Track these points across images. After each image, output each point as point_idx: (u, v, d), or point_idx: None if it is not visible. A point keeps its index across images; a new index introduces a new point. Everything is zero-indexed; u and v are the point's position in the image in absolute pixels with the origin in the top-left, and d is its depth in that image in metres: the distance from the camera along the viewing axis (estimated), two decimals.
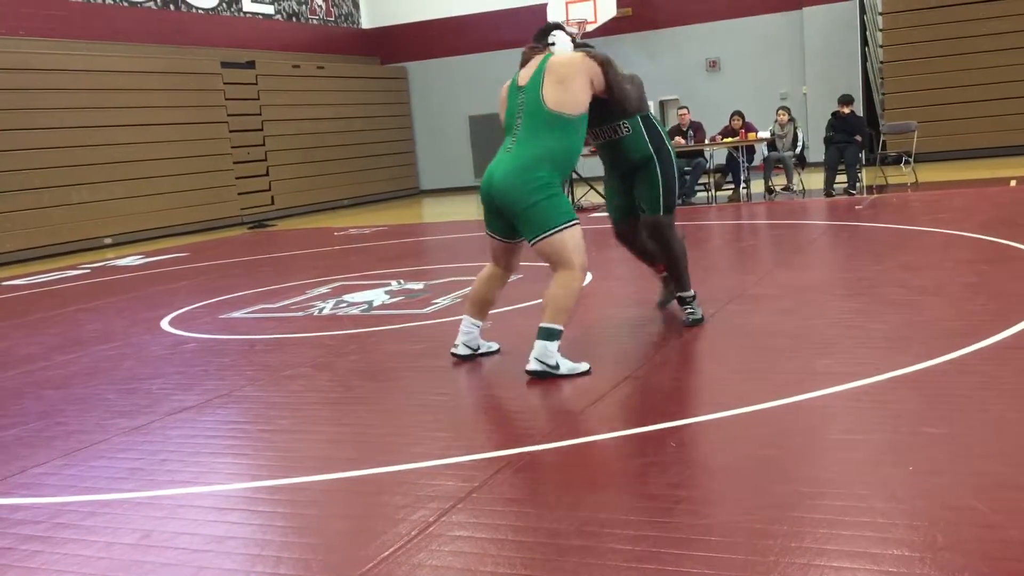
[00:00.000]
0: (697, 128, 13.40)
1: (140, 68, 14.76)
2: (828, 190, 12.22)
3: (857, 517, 2.58)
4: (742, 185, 13.01)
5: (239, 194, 16.46)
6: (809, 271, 7.08)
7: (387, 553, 2.60)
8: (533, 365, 4.29)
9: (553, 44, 4.64)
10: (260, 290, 7.89)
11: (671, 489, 2.96)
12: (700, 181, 13.20)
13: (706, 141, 13.22)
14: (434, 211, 16.84)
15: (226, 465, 3.60)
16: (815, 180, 13.14)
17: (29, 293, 9.22)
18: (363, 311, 6.49)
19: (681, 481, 3.02)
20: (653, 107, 16.26)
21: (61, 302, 8.33)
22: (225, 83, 16.31)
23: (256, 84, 17.11)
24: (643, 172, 5.02)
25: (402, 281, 7.61)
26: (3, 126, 12.61)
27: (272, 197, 17.32)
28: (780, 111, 13.11)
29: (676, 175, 5.05)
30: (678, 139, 12.92)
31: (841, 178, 12.42)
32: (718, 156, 13.72)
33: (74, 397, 4.74)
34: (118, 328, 6.65)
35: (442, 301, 6.54)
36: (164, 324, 6.63)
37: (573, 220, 4.32)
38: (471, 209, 16.88)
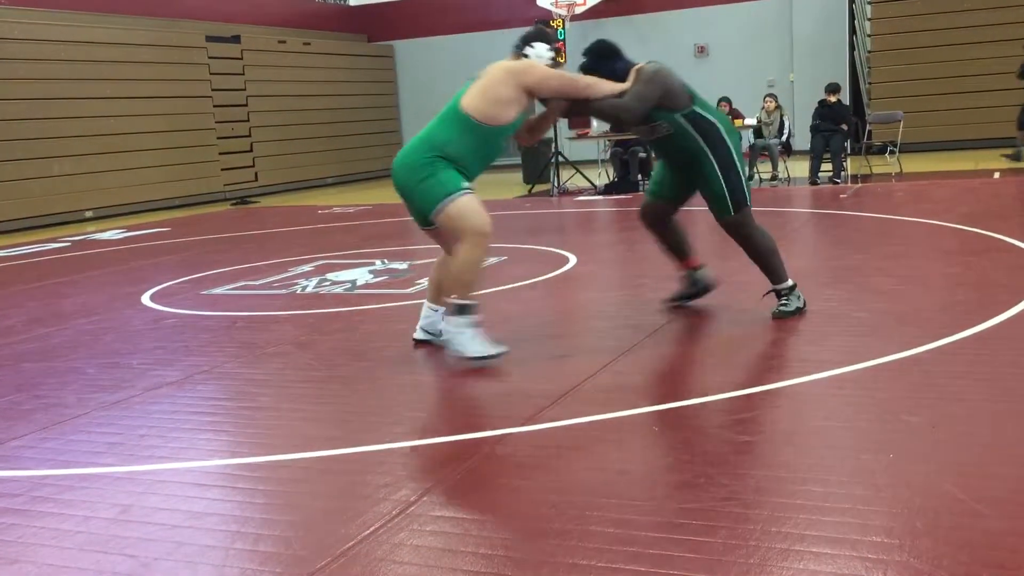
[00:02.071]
0: None
1: (124, 40, 14.59)
2: (813, 178, 12.24)
3: (838, 503, 2.60)
4: None
5: (222, 170, 16.33)
6: (793, 259, 7.09)
7: (368, 532, 2.59)
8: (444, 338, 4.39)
9: (526, 56, 4.46)
10: (243, 267, 7.85)
11: (651, 473, 2.96)
12: None
13: None
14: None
15: (206, 441, 3.58)
16: (800, 168, 13.16)
17: (8, 265, 9.13)
18: (346, 290, 6.47)
19: (661, 466, 3.03)
20: None
21: (41, 275, 8.25)
22: (210, 57, 16.15)
23: (241, 59, 16.95)
24: (697, 170, 4.72)
25: (386, 261, 7.58)
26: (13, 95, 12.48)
27: (256, 173, 17.19)
28: (767, 98, 13.11)
29: (739, 169, 4.71)
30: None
31: (826, 167, 12.45)
32: None
33: (53, 370, 4.70)
34: (99, 302, 6.60)
35: (425, 281, 6.51)
36: (145, 299, 6.57)
37: (460, 190, 4.24)
38: None
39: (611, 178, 13.35)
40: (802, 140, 13.40)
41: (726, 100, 13.14)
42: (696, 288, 5.24)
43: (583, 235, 9.54)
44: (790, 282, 4.89)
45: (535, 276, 6.53)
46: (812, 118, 12.62)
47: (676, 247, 5.19)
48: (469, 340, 4.29)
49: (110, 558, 2.56)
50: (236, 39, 16.96)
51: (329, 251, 8.50)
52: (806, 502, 2.62)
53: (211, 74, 16.19)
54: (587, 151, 14.86)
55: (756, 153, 12.92)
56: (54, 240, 11.19)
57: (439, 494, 2.84)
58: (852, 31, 17.55)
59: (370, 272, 7.10)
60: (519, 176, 15.33)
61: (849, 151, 12.76)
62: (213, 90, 16.22)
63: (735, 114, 12.88)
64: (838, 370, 3.83)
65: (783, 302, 4.86)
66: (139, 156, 14.62)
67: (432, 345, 4.71)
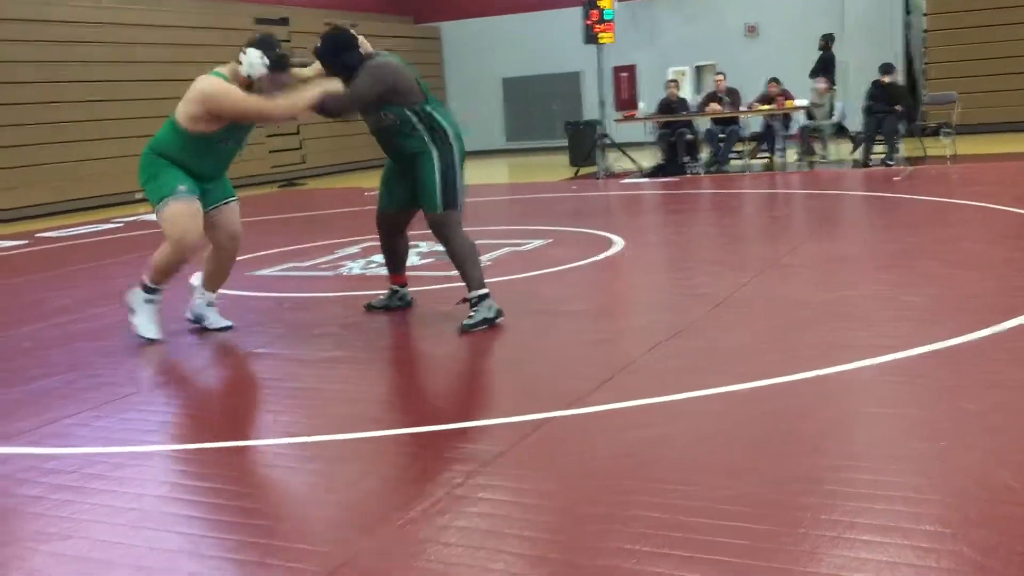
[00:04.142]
0: (733, 94, 13.21)
1: (173, 23, 14.74)
2: (865, 160, 12.03)
3: (888, 492, 2.55)
4: (777, 154, 12.83)
5: (269, 152, 16.46)
6: (844, 242, 6.99)
7: (413, 513, 2.60)
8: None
9: (240, 64, 4.64)
10: (289, 248, 7.91)
11: (697, 458, 2.94)
12: (735, 149, 13.05)
13: (742, 108, 13.05)
14: (466, 173, 16.74)
15: (255, 421, 3.62)
16: (852, 150, 12.94)
17: (63, 246, 9.30)
18: None
19: (707, 451, 3.00)
20: (689, 72, 16.01)
21: (95, 255, 8.39)
22: None
23: (289, 41, 17.04)
24: (417, 165, 4.71)
25: (431, 243, 7.58)
26: (34, 78, 12.67)
27: (303, 156, 17.32)
28: (818, 79, 12.89)
29: (458, 172, 4.73)
30: (714, 105, 12.76)
31: (879, 148, 12.22)
32: (754, 124, 13.54)
33: (106, 350, 4.78)
34: None
35: None
36: (194, 280, 6.64)
37: (167, 197, 4.59)
38: (502, 172, 16.81)
39: (658, 160, 13.24)
40: (854, 121, 13.15)
41: (775, 80, 12.94)
42: (400, 303, 5.22)
43: (629, 218, 9.48)
44: (483, 291, 4.71)
45: (580, 259, 6.49)
46: (865, 99, 12.39)
47: (395, 259, 5.20)
48: (142, 317, 4.75)
49: (160, 535, 2.60)
50: (284, 21, 17.06)
51: (375, 233, 8.52)
52: (856, 490, 2.58)
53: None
54: (634, 133, 14.74)
55: (807, 134, 12.73)
56: (106, 221, 11.36)
57: (484, 476, 2.84)
58: (907, 10, 17.17)
59: (416, 254, 7.11)
60: (565, 159, 15.27)
61: (903, 133, 12.50)
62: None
63: (785, 95, 12.68)
64: (889, 356, 3.77)
65: (471, 313, 4.68)
66: None
67: (475, 330, 4.71)
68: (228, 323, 4.98)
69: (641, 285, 5.83)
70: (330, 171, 17.90)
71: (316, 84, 4.62)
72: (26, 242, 9.67)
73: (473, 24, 20.93)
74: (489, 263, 6.49)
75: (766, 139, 13.09)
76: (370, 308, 5.22)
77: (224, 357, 4.63)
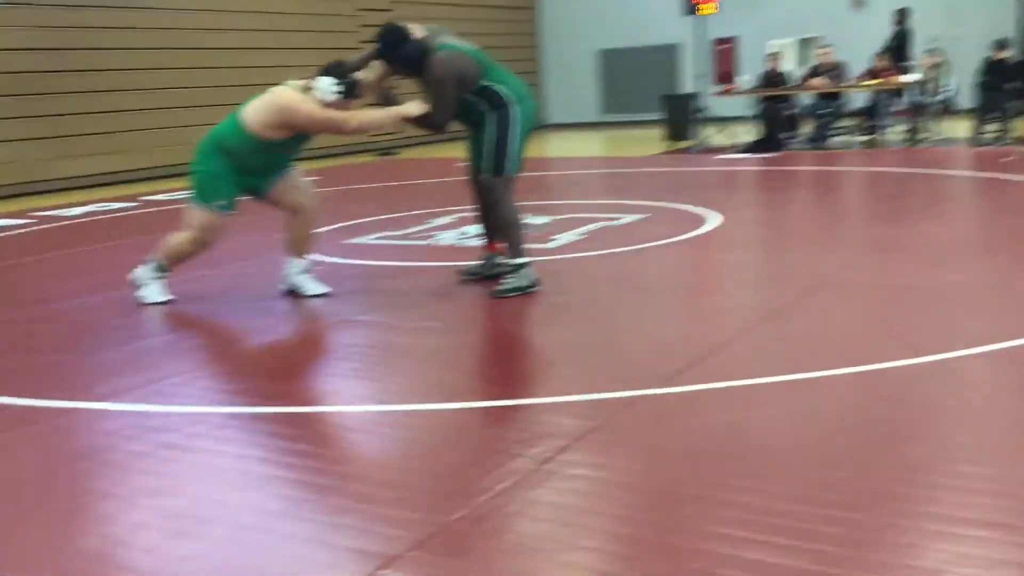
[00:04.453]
0: (839, 68, 12.81)
1: (276, 9, 14.98)
2: (976, 139, 11.57)
3: (993, 485, 2.46)
4: (882, 131, 12.42)
5: None
6: (950, 224, 6.74)
7: (504, 486, 2.61)
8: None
9: (311, 89, 4.72)
10: (384, 217, 8.00)
11: (793, 444, 2.88)
12: (838, 125, 12.67)
13: (847, 82, 12.65)
14: (560, 145, 16.69)
15: (349, 387, 3.69)
16: (963, 129, 12.45)
17: (167, 209, 9.57)
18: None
19: (802, 437, 2.93)
20: (793, 45, 15.57)
21: None
22: (362, 26, 16.39)
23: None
24: (479, 129, 4.85)
25: (525, 215, 7.57)
26: (158, 44, 13.04)
27: (399, 128, 17.47)
28: (927, 54, 12.41)
29: (511, 139, 4.79)
30: (817, 79, 12.40)
31: (991, 127, 11.73)
32: (859, 99, 13.12)
33: (207, 312, 4.91)
34: (251, 247, 6.84)
35: (564, 237, 6.49)
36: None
37: (208, 203, 4.86)
38: (597, 145, 16.70)
39: (757, 136, 12.96)
40: (966, 98, 12.64)
41: (883, 55, 12.50)
42: (492, 271, 5.13)
43: (726, 194, 9.31)
44: (522, 260, 4.82)
45: (675, 235, 6.41)
46: (977, 76, 11.89)
47: (489, 225, 5.16)
48: (152, 288, 5.01)
49: (258, 495, 2.67)
50: (387, 11, 17.14)
51: (468, 204, 8.56)
52: (959, 482, 2.49)
53: (361, 26, 16.47)
54: (733, 106, 14.44)
55: (915, 111, 12.29)
56: None
57: (576, 451, 2.83)
58: None
59: None
60: (661, 132, 15.07)
61: (1016, 111, 11.97)
62: (360, 42, 16.50)
63: (892, 70, 12.23)
64: (998, 345, 3.62)
65: (507, 279, 4.80)
66: None
67: (559, 303, 4.70)
68: (325, 289, 5.06)
69: (737, 263, 5.73)
70: (425, 141, 18.02)
71: (390, 109, 4.84)
72: (136, 204, 9.99)
73: None
74: (583, 237, 6.46)
75: (871, 115, 12.67)
76: (465, 277, 5.24)
77: (320, 323, 4.72)
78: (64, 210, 9.67)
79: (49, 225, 8.79)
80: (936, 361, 3.52)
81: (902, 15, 13.45)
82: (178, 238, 5.00)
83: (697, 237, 6.38)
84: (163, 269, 5.07)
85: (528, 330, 4.38)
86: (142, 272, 5.08)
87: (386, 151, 16.15)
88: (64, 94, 12.07)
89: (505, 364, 3.85)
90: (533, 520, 2.42)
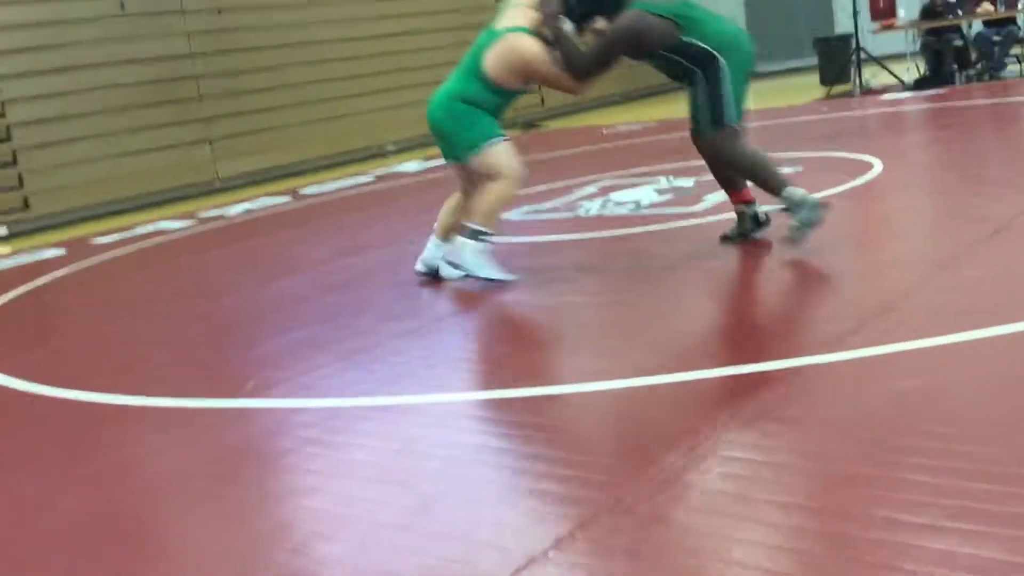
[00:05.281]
0: None
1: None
2: None
3: None
4: None
5: None
6: None
7: (653, 473, 2.42)
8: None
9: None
10: (528, 191, 7.86)
11: (975, 413, 2.55)
12: (1012, 53, 11.66)
13: (1020, 6, 11.62)
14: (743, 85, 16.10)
15: (491, 372, 3.58)
16: None
17: (323, 201, 9.76)
18: (631, 211, 6.28)
19: (987, 405, 2.60)
20: None
21: (349, 208, 8.75)
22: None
23: None
24: (693, 84, 4.52)
25: (671, 178, 7.28)
26: (299, 40, 13.40)
27: (542, 98, 17.31)
28: None
29: (728, 91, 4.43)
30: (986, 5, 11.43)
31: None
32: None
33: (353, 301, 4.91)
34: (397, 233, 6.85)
35: (712, 198, 6.17)
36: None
37: (492, 139, 4.68)
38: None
39: (922, 72, 12.09)
40: None
41: None
42: (754, 225, 4.70)
43: (891, 138, 8.70)
44: (791, 191, 4.29)
45: (836, 185, 5.98)
46: None
47: (721, 178, 4.76)
48: (477, 263, 4.62)
49: (396, 491, 2.59)
50: None
51: (613, 170, 8.33)
52: None
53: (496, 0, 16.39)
54: (893, 44, 13.53)
55: (1010, 43, 11.19)
56: (362, 174, 11.84)
57: (730, 432, 2.61)
58: None
59: (655, 191, 6.86)
60: (815, 78, 14.30)
61: None
62: None
63: None
64: None
65: (793, 223, 4.25)
66: (432, 90, 15.16)
67: (716, 268, 4.45)
68: (505, 275, 4.80)
69: (905, 211, 5.29)
70: (569, 111, 17.81)
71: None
72: (289, 199, 10.26)
73: None
74: None
75: None
76: (725, 239, 4.85)
77: (462, 305, 4.63)
78: (226, 208, 10.00)
79: (217, 225, 9.09)
80: None
81: None
82: (490, 193, 4.68)
83: (860, 186, 5.95)
84: (480, 235, 4.65)
85: (678, 299, 4.16)
86: (454, 255, 4.73)
87: (529, 124, 16.04)
88: (216, 97, 12.53)
89: (653, 339, 3.64)
90: (685, 509, 2.22)
